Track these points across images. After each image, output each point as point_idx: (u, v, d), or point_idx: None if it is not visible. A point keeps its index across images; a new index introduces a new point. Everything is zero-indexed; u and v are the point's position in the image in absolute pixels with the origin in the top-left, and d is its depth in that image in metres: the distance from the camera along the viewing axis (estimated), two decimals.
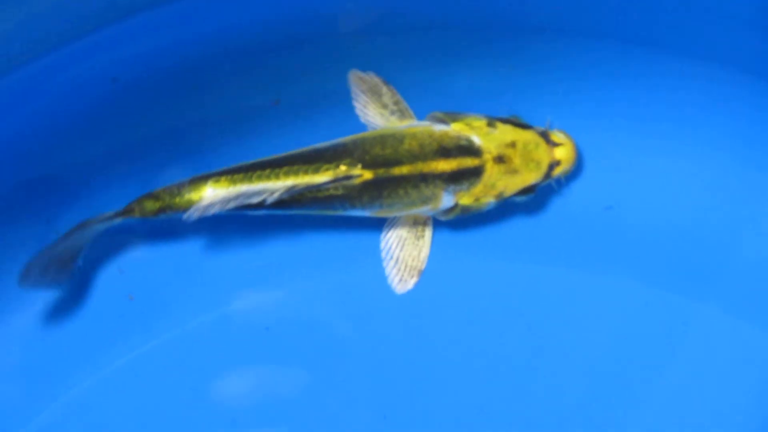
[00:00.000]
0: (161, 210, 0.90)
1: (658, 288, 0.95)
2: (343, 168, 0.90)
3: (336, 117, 0.96)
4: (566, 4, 0.94)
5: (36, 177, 0.94)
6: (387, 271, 0.96)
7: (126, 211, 0.90)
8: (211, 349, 0.95)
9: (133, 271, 0.96)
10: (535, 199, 0.95)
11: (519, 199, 0.94)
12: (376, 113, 0.95)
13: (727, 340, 0.94)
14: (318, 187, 0.90)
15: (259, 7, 0.94)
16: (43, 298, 0.95)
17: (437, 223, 0.97)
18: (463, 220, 0.96)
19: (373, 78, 0.96)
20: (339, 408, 0.95)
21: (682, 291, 0.95)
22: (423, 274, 0.95)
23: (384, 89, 0.96)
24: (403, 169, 0.91)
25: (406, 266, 0.96)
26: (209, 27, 0.95)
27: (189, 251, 0.96)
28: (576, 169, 0.95)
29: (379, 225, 0.96)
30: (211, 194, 0.90)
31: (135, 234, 0.96)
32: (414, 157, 0.91)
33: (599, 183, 0.97)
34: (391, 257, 0.96)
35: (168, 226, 0.95)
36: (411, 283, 0.96)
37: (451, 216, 0.94)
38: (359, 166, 0.90)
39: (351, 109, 0.96)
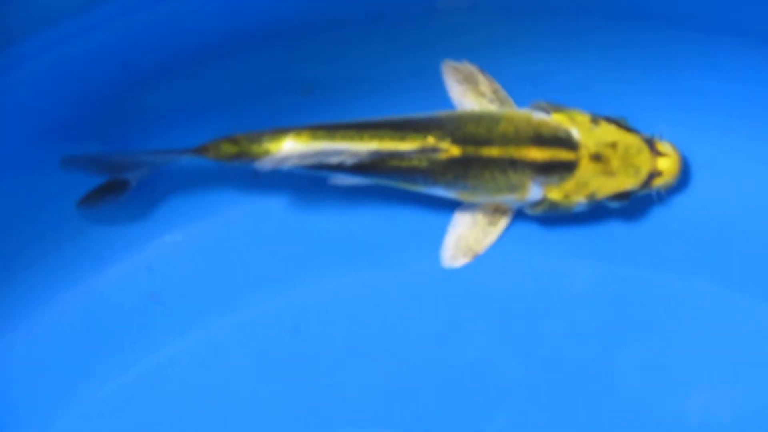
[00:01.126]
0: (237, 155, 0.86)
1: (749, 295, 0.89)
2: (431, 140, 0.86)
3: (427, 96, 0.91)
4: None
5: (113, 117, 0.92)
6: (445, 241, 0.91)
7: (201, 150, 0.87)
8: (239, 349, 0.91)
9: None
10: (629, 207, 0.89)
11: (612, 204, 0.88)
12: (474, 102, 0.91)
13: None
14: (402, 155, 0.86)
15: None
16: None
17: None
18: (546, 219, 0.91)
19: (468, 67, 0.92)
20: (371, 409, 0.90)
21: None
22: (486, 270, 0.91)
23: (481, 78, 0.91)
24: (493, 151, 0.86)
25: (465, 245, 0.91)
26: None
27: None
28: (680, 184, 0.89)
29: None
30: (291, 147, 0.85)
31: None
32: (507, 141, 0.86)
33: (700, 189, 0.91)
34: (456, 231, 0.91)
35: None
36: (461, 261, 0.91)
37: (537, 211, 0.89)
38: (448, 140, 0.86)
39: (441, 90, 0.92)
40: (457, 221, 0.91)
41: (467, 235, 0.91)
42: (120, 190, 0.89)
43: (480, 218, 0.91)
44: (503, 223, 0.91)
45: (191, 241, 0.93)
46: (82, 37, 0.88)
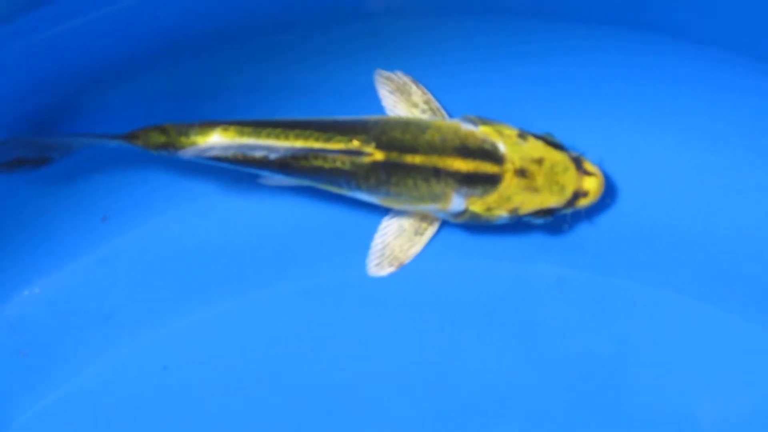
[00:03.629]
0: (164, 145, 0.87)
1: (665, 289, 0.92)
2: (356, 143, 0.86)
3: (360, 102, 0.92)
4: None
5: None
6: (371, 249, 0.92)
7: (130, 137, 0.87)
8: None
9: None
10: (552, 224, 0.89)
11: (535, 220, 0.88)
12: (406, 113, 0.91)
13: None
14: (326, 156, 0.86)
15: None
16: None
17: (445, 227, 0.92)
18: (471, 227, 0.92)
19: (401, 77, 0.92)
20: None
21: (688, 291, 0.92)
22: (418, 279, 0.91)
23: (413, 89, 0.92)
24: (417, 159, 0.86)
25: (390, 254, 0.91)
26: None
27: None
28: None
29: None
30: (217, 141, 0.86)
31: None
32: (432, 149, 0.87)
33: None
34: (382, 240, 0.91)
35: None
36: (386, 271, 0.91)
37: (459, 220, 0.89)
38: (373, 144, 0.86)
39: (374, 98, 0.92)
40: (383, 229, 0.92)
41: (393, 244, 0.91)
42: (39, 163, 0.89)
43: (406, 226, 0.91)
44: (429, 232, 0.91)
45: (49, 293, 0.93)
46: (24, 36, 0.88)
